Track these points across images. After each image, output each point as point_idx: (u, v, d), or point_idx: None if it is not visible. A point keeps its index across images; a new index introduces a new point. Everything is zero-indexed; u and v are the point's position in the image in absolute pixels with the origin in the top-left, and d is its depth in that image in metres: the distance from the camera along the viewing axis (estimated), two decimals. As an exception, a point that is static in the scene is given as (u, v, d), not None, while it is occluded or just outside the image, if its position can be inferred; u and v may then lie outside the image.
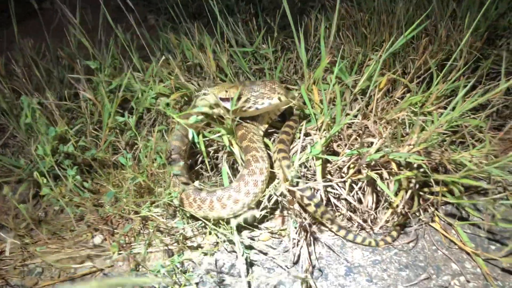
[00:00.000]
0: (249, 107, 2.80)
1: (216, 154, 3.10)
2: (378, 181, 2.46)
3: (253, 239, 2.75)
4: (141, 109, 2.95)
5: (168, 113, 2.70)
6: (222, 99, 2.75)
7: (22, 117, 2.59)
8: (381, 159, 2.53)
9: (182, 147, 2.92)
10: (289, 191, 2.52)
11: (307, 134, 2.87)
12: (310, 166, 2.79)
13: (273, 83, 2.83)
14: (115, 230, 2.79)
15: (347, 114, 2.79)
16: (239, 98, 2.71)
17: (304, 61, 2.85)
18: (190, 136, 2.49)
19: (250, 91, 2.79)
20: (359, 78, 2.99)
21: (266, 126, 3.09)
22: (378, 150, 2.51)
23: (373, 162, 2.60)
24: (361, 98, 3.03)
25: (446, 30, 3.15)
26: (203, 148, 2.85)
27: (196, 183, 2.78)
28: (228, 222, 2.72)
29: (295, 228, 2.58)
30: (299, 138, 2.89)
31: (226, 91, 2.74)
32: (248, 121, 2.97)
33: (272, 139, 3.14)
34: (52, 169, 2.71)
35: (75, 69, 3.32)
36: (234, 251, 2.67)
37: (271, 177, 2.80)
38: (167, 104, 2.81)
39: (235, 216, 2.68)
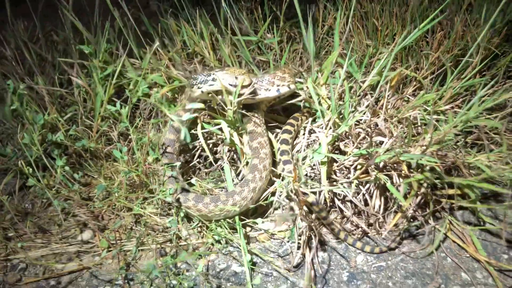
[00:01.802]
0: (257, 93, 2.68)
1: (215, 148, 2.93)
2: (388, 184, 2.30)
3: (250, 241, 2.60)
4: (135, 99, 2.77)
5: (161, 108, 2.54)
6: (231, 86, 2.58)
7: (8, 103, 2.42)
8: (391, 160, 2.36)
9: (176, 141, 2.74)
10: (298, 192, 2.35)
11: (312, 131, 2.70)
12: (315, 165, 2.63)
13: (283, 71, 2.71)
14: (105, 226, 2.64)
15: (356, 111, 2.63)
16: (247, 86, 2.56)
17: (312, 52, 2.67)
18: (182, 136, 2.32)
19: (260, 79, 2.68)
20: (369, 73, 2.82)
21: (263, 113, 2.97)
22: (388, 150, 2.34)
23: (382, 163, 2.43)
24: (371, 94, 2.86)
25: (462, 24, 2.97)
26: (203, 142, 2.68)
27: (193, 180, 2.62)
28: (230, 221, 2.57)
29: (300, 230, 2.43)
30: (303, 135, 2.74)
31: (236, 77, 2.57)
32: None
33: (275, 134, 2.98)
34: (40, 159, 2.55)
35: (69, 54, 3.15)
36: (231, 252, 2.52)
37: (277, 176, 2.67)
38: (161, 97, 2.64)
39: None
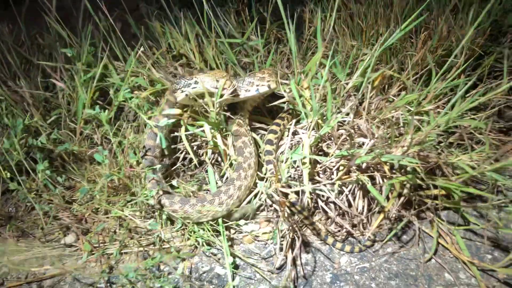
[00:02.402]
0: (238, 95, 2.71)
1: (199, 151, 2.93)
2: (368, 185, 2.29)
3: (233, 243, 2.59)
4: (117, 103, 2.77)
5: (138, 113, 2.54)
6: (214, 88, 2.61)
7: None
8: (372, 161, 2.36)
9: (156, 146, 2.74)
10: (280, 192, 2.35)
11: (296, 133, 2.70)
12: (298, 167, 2.62)
13: (263, 72, 2.76)
14: (89, 230, 2.62)
15: (339, 113, 2.62)
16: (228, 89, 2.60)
17: (294, 52, 2.66)
18: (157, 141, 2.33)
19: (240, 80, 2.73)
20: (353, 74, 2.81)
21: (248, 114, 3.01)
22: (370, 152, 2.33)
23: (364, 164, 2.43)
24: (355, 95, 2.85)
25: (447, 24, 2.96)
26: (186, 144, 2.68)
27: (174, 182, 2.62)
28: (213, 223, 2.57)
29: (282, 231, 2.42)
30: (287, 136, 2.74)
31: (217, 81, 2.60)
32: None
33: (260, 135, 2.98)
34: (21, 163, 2.54)
35: (54, 57, 3.14)
36: (214, 254, 2.51)
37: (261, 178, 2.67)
38: (143, 100, 2.64)
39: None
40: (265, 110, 3.10)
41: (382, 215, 2.50)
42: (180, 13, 3.47)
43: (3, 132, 2.59)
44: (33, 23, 3.45)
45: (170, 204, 2.50)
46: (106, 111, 2.55)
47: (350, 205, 2.57)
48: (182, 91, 2.69)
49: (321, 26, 3.19)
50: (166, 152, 2.86)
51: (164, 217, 2.55)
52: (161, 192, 2.52)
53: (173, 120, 2.55)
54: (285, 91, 2.73)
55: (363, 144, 2.48)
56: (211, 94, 2.58)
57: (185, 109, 2.80)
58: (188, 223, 2.54)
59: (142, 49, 2.90)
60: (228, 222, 2.59)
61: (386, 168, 2.37)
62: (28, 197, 2.43)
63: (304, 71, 2.78)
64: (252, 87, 2.69)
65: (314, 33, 3.58)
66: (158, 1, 4.91)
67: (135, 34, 3.67)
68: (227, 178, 2.73)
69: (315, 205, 2.61)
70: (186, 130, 2.75)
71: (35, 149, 2.65)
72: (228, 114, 2.74)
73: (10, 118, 2.52)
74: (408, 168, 2.38)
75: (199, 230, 2.53)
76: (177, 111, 2.59)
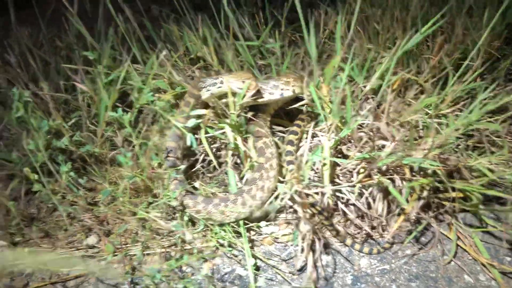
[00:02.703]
0: (261, 97, 2.75)
1: (218, 153, 2.95)
2: (390, 188, 2.32)
3: (254, 245, 2.61)
4: (138, 106, 2.80)
5: (164, 116, 2.57)
6: (239, 89, 2.66)
7: (13, 110, 2.44)
8: (393, 163, 2.38)
9: (178, 148, 2.77)
10: (302, 194, 2.37)
11: (315, 135, 2.73)
12: (317, 169, 2.65)
13: (288, 76, 2.79)
14: (111, 231, 2.65)
15: (357, 115, 2.65)
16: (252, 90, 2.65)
17: (314, 57, 2.69)
18: (188, 142, 2.36)
19: (265, 83, 2.76)
20: (371, 77, 2.84)
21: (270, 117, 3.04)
22: (390, 154, 2.36)
23: (385, 167, 2.45)
24: (372, 98, 2.88)
25: (462, 28, 2.99)
26: (207, 147, 2.70)
27: (197, 183, 2.64)
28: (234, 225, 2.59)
29: (303, 233, 2.44)
30: (306, 138, 2.76)
31: (243, 82, 2.64)
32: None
33: (278, 137, 3.00)
34: (45, 165, 2.57)
35: (73, 59, 3.17)
36: (235, 256, 2.53)
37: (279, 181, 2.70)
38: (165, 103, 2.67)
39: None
40: (282, 113, 3.13)
41: (402, 217, 2.52)
42: (196, 15, 3.50)
43: (28, 133, 2.61)
44: (50, 25, 3.48)
45: (193, 205, 2.53)
46: (128, 113, 2.57)
47: (369, 207, 2.60)
48: (208, 90, 2.76)
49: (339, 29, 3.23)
50: (191, 152, 2.89)
51: (186, 218, 2.57)
52: (183, 193, 2.54)
53: (200, 120, 2.58)
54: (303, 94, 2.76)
55: (383, 146, 2.50)
56: (235, 95, 2.63)
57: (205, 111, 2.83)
58: (211, 224, 2.56)
59: (164, 52, 2.93)
60: (248, 224, 2.61)
61: (406, 170, 2.39)
62: (53, 198, 2.46)
63: (322, 74, 2.80)
64: (277, 90, 2.72)
65: (328, 36, 3.61)
66: (170, 4, 4.96)
67: (148, 36, 3.70)
68: (246, 180, 2.75)
69: (335, 207, 2.64)
70: (206, 132, 2.78)
71: (57, 150, 2.68)
72: (249, 116, 2.76)
73: (35, 119, 2.54)
74: (429, 171, 2.40)
75: (220, 232, 2.55)
76: (205, 111, 2.64)
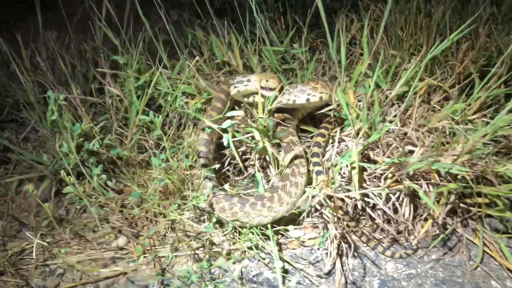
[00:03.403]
0: (288, 100, 2.81)
1: (244, 156, 2.98)
2: (421, 193, 2.34)
3: (281, 248, 2.64)
4: (168, 110, 2.85)
5: (200, 119, 2.60)
6: (262, 88, 2.75)
7: (48, 112, 2.48)
8: (421, 169, 2.40)
9: (209, 152, 2.80)
10: (333, 197, 2.40)
11: (341, 140, 2.76)
12: (344, 173, 2.68)
13: (316, 82, 2.84)
14: (139, 233, 2.69)
15: (384, 121, 2.68)
16: (275, 89, 2.72)
17: (343, 64, 2.72)
18: (225, 142, 2.41)
19: (292, 86, 2.82)
20: (395, 83, 2.87)
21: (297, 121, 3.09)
22: (420, 160, 2.38)
23: (412, 172, 2.48)
24: (397, 103, 2.91)
25: (486, 34, 3.01)
26: (234, 150, 2.73)
27: (226, 186, 2.67)
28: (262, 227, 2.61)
29: (331, 237, 2.47)
30: (332, 143, 2.80)
31: (267, 80, 2.74)
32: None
33: (304, 142, 3.03)
34: (76, 167, 2.62)
35: (99, 63, 3.22)
36: (263, 259, 2.56)
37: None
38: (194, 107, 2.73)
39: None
40: (308, 118, 3.16)
41: (429, 222, 2.54)
42: (218, 20, 3.54)
43: (60, 136, 2.66)
44: (77, 27, 3.53)
45: (230, 207, 2.54)
46: (160, 116, 2.61)
47: (396, 212, 2.62)
48: (235, 87, 2.90)
49: (361, 35, 3.27)
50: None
51: (214, 219, 2.60)
52: (211, 195, 2.56)
53: (235, 121, 2.62)
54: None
55: (411, 152, 2.52)
56: (262, 96, 2.70)
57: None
58: (244, 227, 2.58)
59: (197, 58, 2.98)
60: (276, 227, 2.63)
61: (435, 176, 2.41)
62: (84, 200, 2.50)
63: (350, 79, 2.83)
64: (303, 95, 2.75)
65: (350, 41, 3.64)
66: (190, 9, 5.02)
67: (169, 40, 3.75)
68: (272, 184, 2.78)
69: (362, 211, 2.66)
70: (233, 136, 2.81)
71: (87, 153, 2.72)
72: (277, 120, 2.80)
73: (66, 119, 2.59)
74: (458, 176, 2.42)
75: (248, 234, 2.58)
76: (240, 112, 2.71)
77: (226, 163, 2.98)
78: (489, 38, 3.05)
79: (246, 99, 2.99)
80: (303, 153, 2.76)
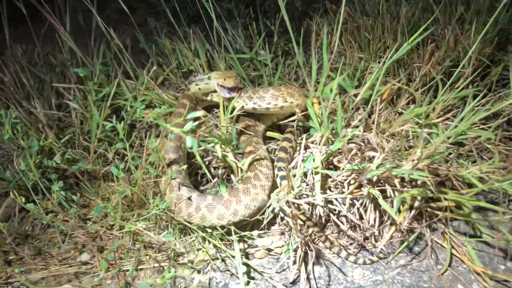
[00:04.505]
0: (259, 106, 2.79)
1: (211, 165, 2.96)
2: (380, 200, 2.31)
3: (248, 257, 2.61)
4: (129, 121, 2.82)
5: (160, 124, 2.56)
6: (220, 86, 2.75)
7: (3, 131, 2.47)
8: (383, 174, 2.38)
9: (179, 159, 2.77)
10: (293, 204, 2.37)
11: (307, 147, 2.73)
12: (308, 180, 2.65)
13: (290, 87, 2.81)
14: (104, 247, 2.67)
15: (348, 126, 2.65)
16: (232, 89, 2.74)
17: (313, 76, 2.71)
18: (188, 143, 2.35)
19: (263, 90, 2.78)
20: (362, 86, 2.84)
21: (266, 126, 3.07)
22: (380, 165, 2.35)
23: (375, 178, 2.45)
24: (363, 107, 2.88)
25: (453, 35, 2.98)
26: (200, 160, 2.70)
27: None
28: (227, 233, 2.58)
29: (295, 245, 2.44)
30: (298, 150, 2.77)
31: (224, 79, 2.73)
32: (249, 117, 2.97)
33: (272, 150, 3.01)
34: (37, 183, 2.60)
35: (67, 76, 3.20)
36: (228, 270, 2.54)
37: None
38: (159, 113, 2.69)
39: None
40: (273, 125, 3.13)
41: (393, 228, 2.51)
42: (189, 28, 3.52)
43: (19, 152, 2.64)
44: (44, 42, 3.51)
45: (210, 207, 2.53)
46: (122, 123, 2.59)
47: (361, 218, 2.59)
48: (197, 84, 2.87)
49: (328, 39, 3.24)
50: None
51: (177, 227, 2.57)
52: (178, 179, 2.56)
53: (197, 122, 2.59)
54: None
55: (373, 157, 2.50)
56: (227, 100, 2.73)
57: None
58: (204, 231, 2.55)
59: (155, 67, 2.96)
60: (239, 233, 2.59)
61: (396, 181, 2.38)
62: (45, 217, 2.47)
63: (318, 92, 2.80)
64: (276, 100, 2.74)
65: (321, 46, 3.61)
66: (166, 16, 4.99)
67: (143, 50, 3.73)
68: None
69: (327, 218, 2.63)
70: (198, 146, 2.78)
71: (49, 169, 2.70)
72: (239, 128, 2.77)
73: (25, 139, 2.57)
74: (419, 182, 2.39)
75: (215, 240, 2.55)
76: (201, 112, 2.67)
77: (193, 173, 2.96)
78: (456, 38, 3.02)
79: (206, 97, 2.97)
80: (266, 155, 2.74)
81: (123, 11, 3.29)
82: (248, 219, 2.57)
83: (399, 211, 2.47)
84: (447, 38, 2.93)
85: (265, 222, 2.50)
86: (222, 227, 2.56)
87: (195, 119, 2.61)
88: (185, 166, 2.63)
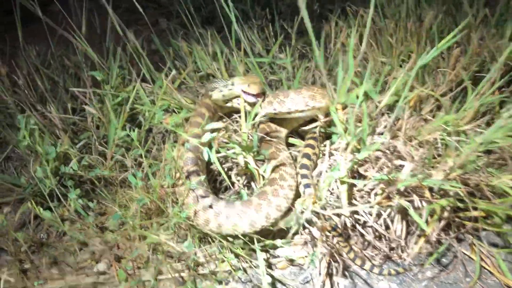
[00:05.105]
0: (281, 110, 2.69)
1: (230, 172, 2.88)
2: (410, 211, 2.23)
3: (270, 267, 2.54)
4: (147, 126, 2.75)
5: (179, 133, 2.50)
6: (244, 92, 2.68)
7: (20, 137, 2.40)
8: (412, 184, 2.29)
9: (199, 169, 2.69)
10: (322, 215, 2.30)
11: (331, 154, 2.65)
12: (333, 189, 2.57)
13: (312, 89, 2.71)
14: (121, 256, 2.59)
15: (374, 132, 2.57)
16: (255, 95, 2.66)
17: (339, 83, 2.62)
18: (205, 157, 2.30)
19: (279, 95, 2.69)
20: (385, 91, 2.76)
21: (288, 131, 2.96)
22: (409, 175, 2.27)
23: (403, 188, 2.37)
24: (387, 113, 2.80)
25: (478, 39, 2.89)
26: (219, 167, 2.63)
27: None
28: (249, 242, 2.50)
29: (320, 255, 2.37)
30: (321, 157, 2.69)
31: (248, 85, 2.65)
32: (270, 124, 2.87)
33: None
34: (53, 190, 2.52)
35: (81, 79, 3.12)
36: (250, 281, 2.46)
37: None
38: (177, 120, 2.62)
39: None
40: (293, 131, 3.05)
41: (422, 239, 2.43)
42: (205, 30, 3.44)
43: (34, 158, 2.57)
44: (57, 43, 3.43)
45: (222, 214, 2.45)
46: (136, 130, 2.52)
47: (387, 228, 2.51)
48: (220, 91, 2.77)
49: (349, 42, 3.16)
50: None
51: (197, 235, 2.49)
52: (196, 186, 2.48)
53: (215, 134, 2.51)
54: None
55: (401, 166, 2.41)
56: (252, 105, 2.65)
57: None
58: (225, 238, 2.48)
59: (173, 72, 2.87)
60: (262, 242, 2.51)
61: (426, 191, 2.30)
62: (62, 226, 2.40)
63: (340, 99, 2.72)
64: (299, 103, 2.65)
65: (340, 49, 3.52)
66: (178, 17, 4.91)
67: (156, 50, 3.65)
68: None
69: (352, 228, 2.55)
70: (217, 152, 2.71)
71: (66, 175, 2.62)
72: (261, 135, 2.69)
73: (41, 144, 2.49)
74: (450, 192, 2.31)
75: (236, 249, 2.47)
76: (220, 124, 2.60)
77: (211, 180, 2.88)
78: (482, 42, 2.93)
79: (226, 104, 2.88)
80: (289, 160, 2.66)
81: (133, 11, 3.22)
82: (272, 228, 2.50)
83: (427, 222, 2.39)
84: (473, 42, 2.84)
85: (291, 233, 2.40)
86: (244, 235, 2.47)
87: (213, 130, 2.56)
88: (203, 177, 2.55)
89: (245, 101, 2.69)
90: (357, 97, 2.53)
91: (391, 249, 2.55)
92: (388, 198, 2.37)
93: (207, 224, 2.45)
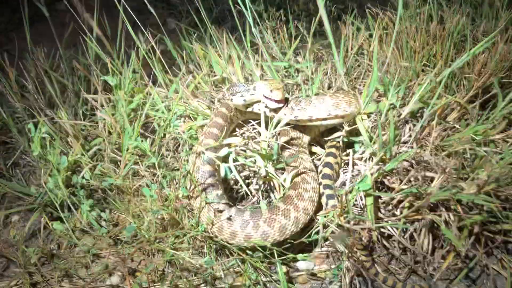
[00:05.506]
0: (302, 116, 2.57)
1: (247, 181, 2.77)
2: (443, 227, 2.13)
3: (291, 282, 2.44)
4: (162, 134, 2.63)
5: (195, 145, 2.39)
6: (266, 97, 2.56)
7: (32, 147, 2.29)
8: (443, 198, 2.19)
9: (217, 182, 2.57)
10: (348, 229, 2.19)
11: (354, 164, 2.55)
12: (356, 201, 2.47)
13: (337, 96, 2.57)
14: (136, 268, 2.49)
15: (398, 141, 2.47)
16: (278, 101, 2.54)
17: (364, 92, 2.51)
18: (222, 173, 2.19)
19: (301, 101, 2.57)
20: (408, 98, 2.66)
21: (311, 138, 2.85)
22: (441, 189, 2.16)
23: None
24: (411, 121, 2.69)
25: (504, 43, 2.78)
26: (237, 175, 2.52)
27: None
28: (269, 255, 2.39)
29: (343, 271, 2.27)
30: (343, 167, 2.59)
31: (271, 91, 2.51)
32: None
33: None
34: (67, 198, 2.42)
35: (91, 82, 3.01)
36: (270, 296, 2.36)
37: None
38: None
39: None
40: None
41: (451, 255, 2.33)
42: (215, 29, 3.31)
43: (45, 167, 2.46)
44: (68, 43, 3.32)
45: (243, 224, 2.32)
46: (148, 139, 2.41)
47: (412, 239, 2.41)
48: (242, 96, 2.64)
49: (369, 45, 3.06)
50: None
51: (213, 248, 2.39)
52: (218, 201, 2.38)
53: (233, 149, 2.39)
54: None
55: (427, 177, 2.31)
56: (273, 111, 2.57)
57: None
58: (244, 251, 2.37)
59: (190, 77, 2.76)
60: (283, 256, 2.40)
61: (458, 206, 2.19)
62: (74, 239, 2.30)
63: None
64: (323, 110, 2.53)
65: (357, 52, 3.41)
66: (187, 17, 4.80)
67: (166, 51, 3.53)
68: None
69: (377, 241, 2.45)
70: (235, 160, 2.60)
71: (78, 185, 2.52)
72: (281, 143, 2.58)
73: (52, 153, 2.38)
74: (483, 207, 2.21)
75: (255, 262, 2.37)
76: (238, 139, 2.47)
77: (228, 189, 2.77)
78: (506, 44, 2.82)
79: (246, 109, 2.76)
80: (313, 167, 2.55)
81: (140, 10, 3.11)
82: (293, 241, 2.40)
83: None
84: (499, 47, 2.73)
85: (316, 249, 2.30)
86: (264, 248, 2.36)
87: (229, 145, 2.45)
88: (220, 192, 2.44)
89: (266, 107, 2.57)
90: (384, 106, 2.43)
91: (416, 262, 2.45)
92: (417, 212, 2.26)
93: (233, 238, 2.33)
